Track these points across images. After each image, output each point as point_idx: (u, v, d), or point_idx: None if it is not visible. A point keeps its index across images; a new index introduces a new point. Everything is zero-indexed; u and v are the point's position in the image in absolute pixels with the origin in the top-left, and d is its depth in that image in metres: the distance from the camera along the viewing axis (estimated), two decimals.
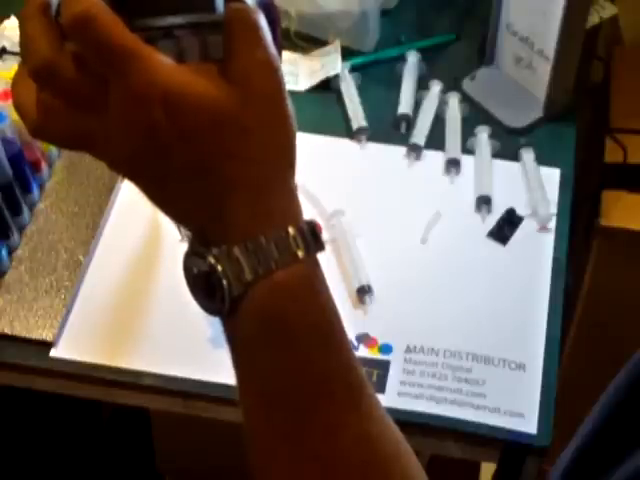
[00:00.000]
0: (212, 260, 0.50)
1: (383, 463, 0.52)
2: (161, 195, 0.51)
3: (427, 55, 1.29)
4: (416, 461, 0.54)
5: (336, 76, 1.26)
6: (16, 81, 0.50)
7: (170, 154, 0.48)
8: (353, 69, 1.28)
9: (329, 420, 0.51)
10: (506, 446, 0.96)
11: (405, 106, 1.23)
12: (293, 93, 1.25)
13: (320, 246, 0.52)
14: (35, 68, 0.48)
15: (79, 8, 0.46)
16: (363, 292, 1.05)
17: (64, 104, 0.48)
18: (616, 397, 0.55)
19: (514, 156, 1.19)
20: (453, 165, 1.18)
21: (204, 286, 0.51)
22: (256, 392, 0.52)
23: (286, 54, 1.29)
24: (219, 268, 0.50)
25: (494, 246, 1.11)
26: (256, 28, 0.49)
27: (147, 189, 0.51)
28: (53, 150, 1.17)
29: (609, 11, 1.32)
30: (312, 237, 0.51)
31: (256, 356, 0.51)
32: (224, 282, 0.50)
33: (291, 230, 0.50)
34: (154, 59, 0.47)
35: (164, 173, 0.49)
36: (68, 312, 1.05)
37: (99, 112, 0.48)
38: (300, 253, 0.50)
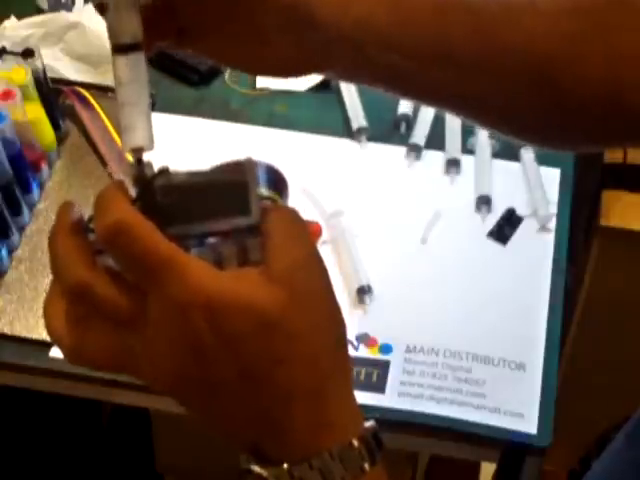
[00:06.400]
0: None
1: None
2: (210, 410, 0.47)
3: None
4: None
5: None
6: (48, 303, 0.47)
7: (217, 365, 0.45)
8: None
9: None
10: (506, 446, 0.96)
11: (405, 106, 1.23)
12: (293, 93, 1.25)
13: (383, 450, 0.47)
14: (69, 289, 0.46)
15: (112, 219, 0.44)
16: (363, 292, 1.05)
17: (101, 323, 0.46)
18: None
19: (514, 156, 1.19)
20: (453, 165, 1.18)
21: None
22: None
23: None
24: None
25: (494, 246, 1.11)
26: (294, 228, 0.47)
27: (194, 405, 0.47)
28: (53, 150, 1.17)
29: None
30: (375, 444, 0.47)
31: None
32: None
33: (355, 442, 0.46)
34: (193, 266, 0.44)
35: (212, 386, 0.46)
36: None
37: (138, 328, 0.45)
38: (366, 465, 0.46)
